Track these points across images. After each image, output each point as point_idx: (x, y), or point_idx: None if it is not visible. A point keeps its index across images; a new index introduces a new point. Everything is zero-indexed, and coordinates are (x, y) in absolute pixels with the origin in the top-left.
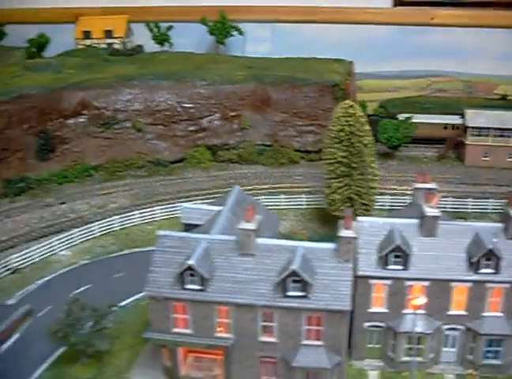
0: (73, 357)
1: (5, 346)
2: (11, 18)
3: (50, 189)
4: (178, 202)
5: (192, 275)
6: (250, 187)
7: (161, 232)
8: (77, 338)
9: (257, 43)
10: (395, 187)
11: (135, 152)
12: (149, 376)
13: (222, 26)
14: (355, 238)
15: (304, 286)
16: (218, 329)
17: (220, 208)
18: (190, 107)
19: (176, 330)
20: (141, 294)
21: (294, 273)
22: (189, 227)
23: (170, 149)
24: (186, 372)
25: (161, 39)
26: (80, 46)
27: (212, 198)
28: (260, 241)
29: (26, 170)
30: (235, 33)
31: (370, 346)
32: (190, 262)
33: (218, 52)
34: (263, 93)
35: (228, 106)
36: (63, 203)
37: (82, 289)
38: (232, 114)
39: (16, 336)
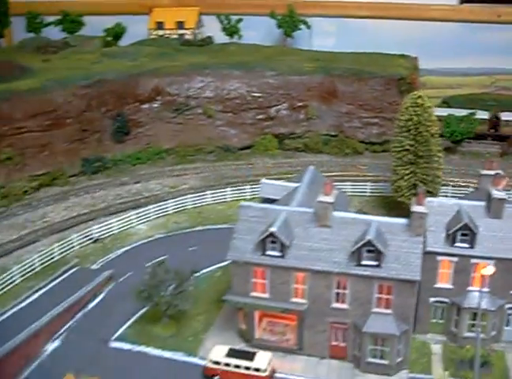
0: (154, 317)
1: (92, 304)
2: (88, 9)
3: (124, 169)
4: (247, 185)
5: (273, 242)
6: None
7: (244, 203)
8: (161, 298)
9: (323, 37)
10: (457, 179)
11: (205, 138)
12: (224, 337)
13: (290, 20)
14: (426, 213)
15: (377, 256)
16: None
17: (297, 184)
18: (259, 96)
19: (254, 294)
20: (213, 267)
21: (369, 243)
22: (266, 201)
23: (238, 136)
24: (260, 335)
25: (231, 31)
26: (153, 36)
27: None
28: (336, 213)
29: (102, 150)
30: (302, 27)
31: (433, 321)
32: (272, 229)
33: (285, 45)
34: (330, 85)
35: (296, 96)
36: (137, 182)
37: (159, 259)
38: (299, 104)
39: (100, 297)
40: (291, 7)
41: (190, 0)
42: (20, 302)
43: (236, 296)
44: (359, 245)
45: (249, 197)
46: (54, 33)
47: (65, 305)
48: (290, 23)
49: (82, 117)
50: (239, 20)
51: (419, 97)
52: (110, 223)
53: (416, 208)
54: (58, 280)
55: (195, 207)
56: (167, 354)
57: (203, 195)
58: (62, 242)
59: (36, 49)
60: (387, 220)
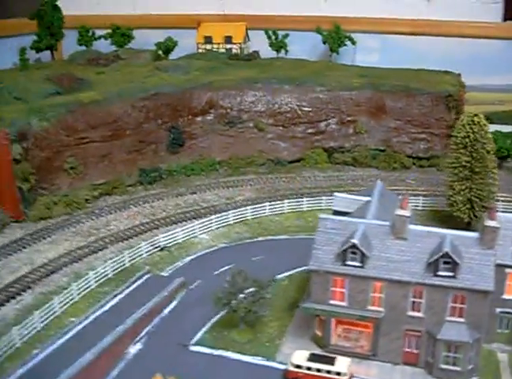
0: (229, 323)
1: (167, 310)
2: (137, 23)
3: (179, 180)
4: (302, 198)
5: (353, 253)
6: (365, 187)
7: (323, 216)
8: (240, 305)
9: (366, 52)
10: (505, 195)
11: (256, 151)
12: (299, 343)
13: (336, 35)
14: (499, 227)
15: (453, 267)
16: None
17: (367, 198)
18: (309, 111)
19: (332, 302)
20: (280, 276)
21: (446, 255)
22: (338, 214)
23: (288, 149)
24: (335, 341)
25: (278, 45)
26: (201, 50)
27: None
28: (411, 227)
29: (158, 161)
30: (348, 43)
31: (499, 331)
32: (354, 241)
33: (331, 60)
34: (379, 100)
35: (345, 111)
36: (194, 193)
37: (225, 268)
38: (348, 118)
39: (174, 303)
40: (337, 23)
41: (236, 15)
42: (102, 306)
43: (314, 304)
44: (436, 256)
45: (306, 209)
46: (104, 46)
47: (145, 310)
48: (336, 39)
49: (140, 128)
50: (286, 36)
51: (476, 115)
52: (175, 232)
53: (488, 223)
54: (133, 286)
55: (254, 218)
56: (247, 359)
57: (262, 206)
58: (132, 250)
59: (87, 61)
60: (460, 234)
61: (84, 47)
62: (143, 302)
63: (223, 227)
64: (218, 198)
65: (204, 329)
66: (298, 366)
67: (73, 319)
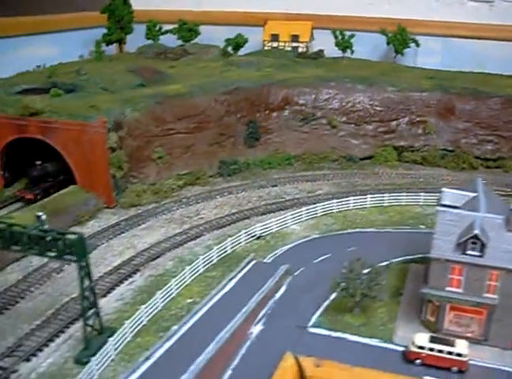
0: (340, 308)
1: (278, 295)
2: (204, 19)
3: (257, 173)
4: (384, 194)
5: (474, 243)
6: (437, 186)
7: (441, 208)
8: (357, 290)
9: (427, 55)
10: None
11: (329, 147)
12: (410, 327)
13: (401, 37)
14: None
15: None
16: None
17: (473, 194)
18: (381, 110)
19: (449, 288)
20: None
21: None
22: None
23: (360, 147)
24: (447, 326)
25: (344, 45)
26: (267, 48)
27: (412, 193)
28: None
29: (236, 154)
30: (411, 45)
31: None
32: (476, 232)
33: (395, 61)
34: (448, 102)
35: (415, 111)
36: (275, 186)
37: (323, 257)
38: (418, 119)
39: (283, 289)
40: (401, 25)
41: (300, 14)
42: (221, 289)
43: (432, 289)
44: None
45: (386, 205)
46: (170, 41)
47: (262, 293)
48: (401, 40)
49: (221, 122)
50: (352, 36)
51: None
52: (269, 223)
53: None
54: (243, 271)
55: (339, 211)
56: (364, 340)
57: (346, 201)
58: (232, 238)
59: (155, 55)
60: None
61: (150, 41)
62: (257, 285)
63: (311, 218)
64: (299, 191)
65: (318, 313)
66: (420, 347)
67: (189, 300)
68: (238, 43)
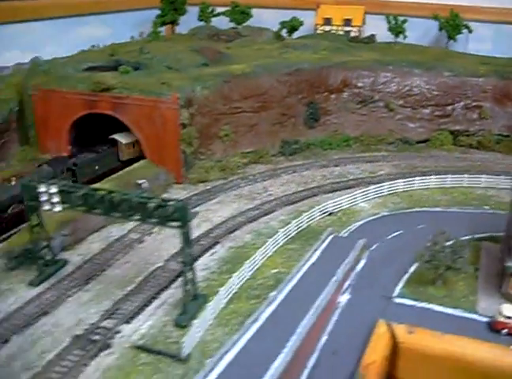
0: (420, 280)
1: (359, 267)
2: (256, 2)
3: (317, 153)
4: (446, 175)
5: None
6: (496, 169)
7: None
8: (441, 262)
9: (478, 41)
10: None
11: (386, 129)
12: (491, 300)
13: (454, 23)
14: None
15: None
16: None
17: None
18: (437, 94)
19: None
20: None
21: None
22: None
23: (416, 130)
24: None
25: (397, 30)
26: (319, 32)
27: (473, 175)
28: None
29: (296, 134)
30: (464, 31)
31: None
32: None
33: (447, 47)
34: (504, 88)
35: (471, 96)
36: (337, 165)
37: (396, 233)
38: (474, 104)
39: (363, 262)
40: (453, 11)
41: None
42: (307, 260)
43: None
44: None
45: (448, 186)
46: (221, 23)
47: (347, 265)
48: (454, 26)
49: (283, 102)
50: (405, 21)
51: None
52: (339, 200)
53: None
54: (324, 244)
55: (404, 191)
56: (449, 311)
57: (411, 181)
58: (307, 213)
59: (207, 36)
60: None
61: (202, 23)
62: (340, 257)
63: (378, 197)
64: (361, 172)
65: (400, 285)
66: (508, 317)
67: (274, 271)
68: (293, 25)
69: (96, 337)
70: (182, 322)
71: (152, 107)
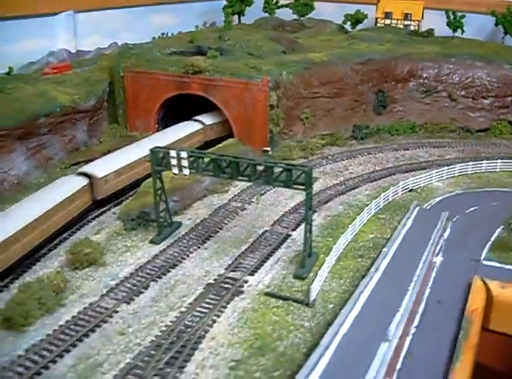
0: (504, 247)
1: (445, 235)
2: None
3: (385, 138)
4: (509, 159)
5: None
6: None
7: None
8: None
9: None
10: None
11: (448, 118)
12: None
13: (511, 18)
14: None
15: None
16: None
17: None
18: (497, 86)
19: None
20: None
21: None
22: None
23: (476, 119)
24: None
25: (455, 25)
26: (380, 25)
27: None
28: None
29: (366, 120)
30: None
31: None
32: None
33: (503, 42)
34: None
35: None
36: (406, 149)
37: (472, 209)
38: None
39: (448, 231)
40: (510, 6)
41: None
42: (404, 225)
43: None
44: None
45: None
46: (283, 14)
47: (438, 231)
48: (511, 21)
49: (356, 89)
50: (463, 16)
51: None
52: (417, 178)
53: None
54: (413, 215)
55: (473, 173)
56: None
57: (479, 164)
58: (392, 189)
59: (272, 27)
60: None
61: (266, 15)
62: (429, 225)
63: (450, 178)
64: (430, 155)
65: (485, 250)
66: None
67: (371, 235)
68: (357, 18)
69: (227, 285)
70: (302, 274)
71: (243, 89)
